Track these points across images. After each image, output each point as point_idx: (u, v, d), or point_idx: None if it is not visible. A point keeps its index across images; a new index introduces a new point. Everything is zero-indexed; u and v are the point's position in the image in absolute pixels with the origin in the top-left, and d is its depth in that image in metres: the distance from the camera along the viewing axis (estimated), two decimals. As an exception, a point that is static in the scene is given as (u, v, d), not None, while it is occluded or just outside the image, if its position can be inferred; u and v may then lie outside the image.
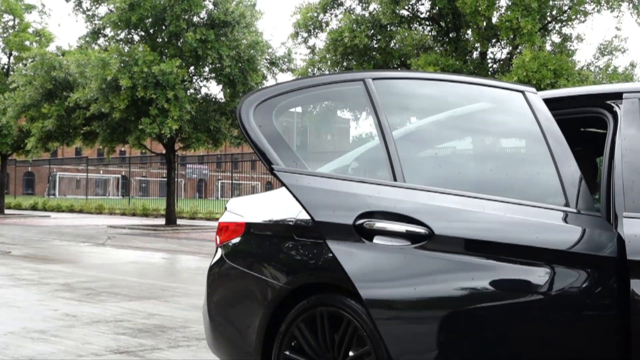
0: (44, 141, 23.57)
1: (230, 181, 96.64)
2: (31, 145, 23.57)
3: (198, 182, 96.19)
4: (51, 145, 24.69)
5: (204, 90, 24.34)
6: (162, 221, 25.26)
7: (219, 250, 3.91)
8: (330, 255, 2.99)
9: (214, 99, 22.87)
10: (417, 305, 2.28)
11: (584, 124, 3.32)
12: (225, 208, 4.11)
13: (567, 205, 2.54)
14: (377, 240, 2.28)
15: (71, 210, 34.55)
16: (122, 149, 36.28)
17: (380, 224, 2.27)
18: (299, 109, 2.97)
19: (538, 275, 2.45)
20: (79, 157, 68.46)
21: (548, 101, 2.83)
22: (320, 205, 2.25)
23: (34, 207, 36.46)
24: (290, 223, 3.22)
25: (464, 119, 2.84)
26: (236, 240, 3.81)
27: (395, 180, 2.34)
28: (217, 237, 4.01)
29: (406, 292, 2.28)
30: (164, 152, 24.16)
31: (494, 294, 2.38)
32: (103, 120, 21.49)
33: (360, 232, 2.26)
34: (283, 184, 2.20)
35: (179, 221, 24.31)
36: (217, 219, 19.90)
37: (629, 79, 19.02)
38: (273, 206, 3.59)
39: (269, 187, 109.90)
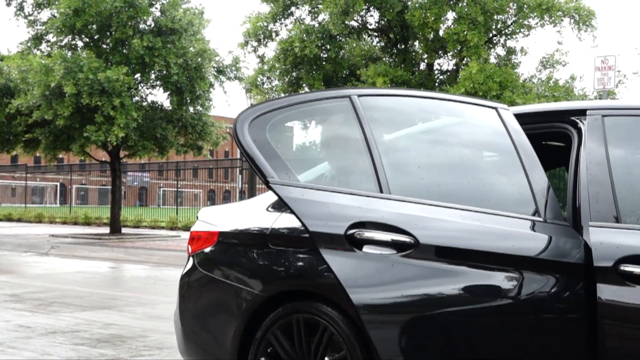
0: (-18, 148, 23.04)
1: (173, 189, 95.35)
2: (-32, 153, 22.99)
3: (139, 189, 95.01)
4: (-11, 153, 24.11)
5: (150, 98, 24.13)
6: (105, 230, 24.92)
7: (191, 259, 3.98)
8: (306, 263, 3.11)
9: (160, 107, 22.71)
10: (403, 309, 2.43)
11: (547, 139, 3.52)
12: (197, 217, 4.19)
13: (537, 214, 2.72)
14: (366, 249, 2.42)
15: (9, 219, 33.75)
16: (61, 156, 35.61)
17: (369, 234, 2.41)
18: (290, 124, 3.03)
19: (513, 281, 2.63)
20: (16, 164, 66.87)
21: (517, 116, 3.02)
22: (313, 216, 2.38)
23: (-32, 216, 35.50)
24: (266, 232, 3.31)
25: (442, 133, 3.02)
26: (209, 249, 3.88)
27: (381, 191, 2.49)
28: (189, 246, 4.07)
29: (393, 297, 2.43)
30: (107, 159, 23.88)
31: (472, 299, 2.55)
32: (46, 127, 21.11)
33: (351, 242, 2.40)
34: (278, 196, 2.32)
35: (123, 230, 24.03)
36: (162, 227, 19.76)
37: (569, 91, 19.70)
38: (247, 215, 3.68)
39: (211, 194, 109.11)
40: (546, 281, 2.67)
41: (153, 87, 22.47)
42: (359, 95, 2.64)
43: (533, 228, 2.70)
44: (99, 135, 19.65)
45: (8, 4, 22.20)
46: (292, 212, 2.30)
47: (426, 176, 2.84)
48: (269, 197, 3.56)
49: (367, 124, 2.59)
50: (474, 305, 2.55)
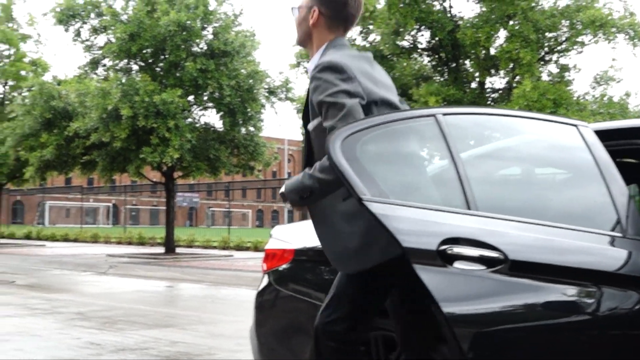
0: (42, 170, 23.62)
1: (222, 209, 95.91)
2: (29, 175, 23.61)
3: (189, 210, 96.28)
4: (49, 175, 24.74)
5: (203, 119, 24.54)
6: (159, 249, 25.30)
7: (267, 276, 4.06)
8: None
9: (213, 128, 23.10)
10: (494, 323, 2.48)
11: (624, 155, 3.53)
12: (270, 235, 4.27)
13: (620, 230, 2.73)
14: (457, 264, 2.47)
15: (66, 239, 34.51)
16: (113, 178, 36.12)
17: (459, 250, 2.47)
18: (379, 143, 3.10)
19: (598, 297, 2.64)
20: (70, 186, 68.37)
21: (596, 133, 3.04)
22: (406, 232, 2.43)
23: (27, 237, 36.40)
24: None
25: (524, 150, 3.07)
26: (284, 266, 3.96)
27: (469, 208, 2.55)
28: (264, 264, 4.15)
29: (484, 311, 2.49)
30: (161, 180, 24.29)
31: (560, 314, 2.58)
32: (103, 149, 21.62)
33: (443, 257, 2.46)
34: (371, 214, 2.38)
35: (177, 249, 24.38)
36: (214, 247, 19.99)
37: (624, 108, 19.42)
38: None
39: (259, 214, 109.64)
40: (629, 298, 2.67)
41: (206, 108, 22.89)
42: (444, 114, 2.71)
43: (616, 244, 2.71)
44: (155, 157, 20.05)
45: (66, 30, 22.87)
46: (385, 228, 2.36)
47: (510, 193, 2.88)
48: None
49: (452, 141, 2.65)
50: (561, 320, 2.58)
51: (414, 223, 2.47)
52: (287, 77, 22.90)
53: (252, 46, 22.30)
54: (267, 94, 22.94)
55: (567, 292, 2.63)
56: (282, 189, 2.80)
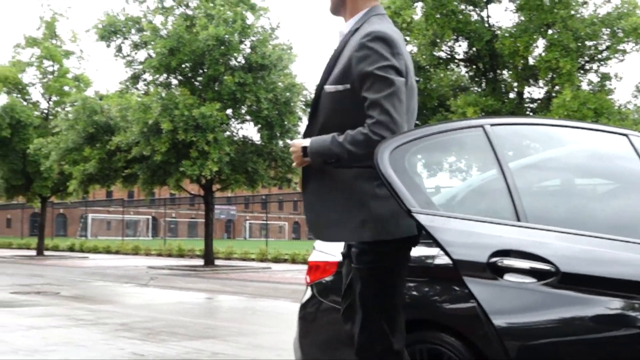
0: (85, 184, 23.93)
1: (259, 221, 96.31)
2: (73, 188, 23.95)
3: (226, 222, 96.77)
4: (91, 188, 25.09)
5: (241, 132, 24.65)
6: (199, 261, 25.45)
7: (310, 288, 4.04)
8: (430, 292, 3.12)
9: (251, 141, 23.21)
10: (545, 337, 2.44)
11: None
12: (313, 247, 4.26)
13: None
14: (507, 277, 2.44)
15: (108, 251, 34.94)
16: (153, 190, 36.44)
17: (509, 262, 2.43)
18: (427, 154, 3.06)
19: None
20: (111, 199, 69.25)
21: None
22: (456, 244, 2.41)
23: (71, 249, 36.96)
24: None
25: (573, 161, 3.03)
26: (328, 278, 3.94)
27: (518, 219, 2.51)
28: (307, 276, 4.14)
29: (534, 324, 2.45)
30: (200, 193, 24.47)
31: (612, 327, 2.53)
32: (144, 162, 21.84)
33: (493, 270, 2.42)
34: (421, 225, 2.36)
35: (215, 261, 24.49)
36: (252, 259, 20.08)
37: (666, 117, 19.07)
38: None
39: (295, 226, 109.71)
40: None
41: (244, 121, 23.02)
42: (492, 125, 2.69)
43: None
44: (194, 170, 20.20)
45: (108, 46, 23.17)
46: (434, 239, 2.34)
47: (560, 204, 2.84)
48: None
49: (501, 152, 2.62)
50: (611, 333, 2.53)
51: (463, 235, 2.45)
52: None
53: (289, 59, 22.39)
54: (304, 107, 22.99)
55: (616, 305, 2.58)
56: (307, 145, 2.74)
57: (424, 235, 2.52)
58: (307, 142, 2.74)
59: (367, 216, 2.63)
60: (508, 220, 2.48)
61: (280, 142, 22.65)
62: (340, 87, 2.72)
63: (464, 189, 2.81)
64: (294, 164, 2.77)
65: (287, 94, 21.99)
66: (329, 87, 2.77)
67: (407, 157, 2.50)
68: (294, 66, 30.22)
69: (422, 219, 2.37)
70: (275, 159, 22.86)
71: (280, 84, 22.02)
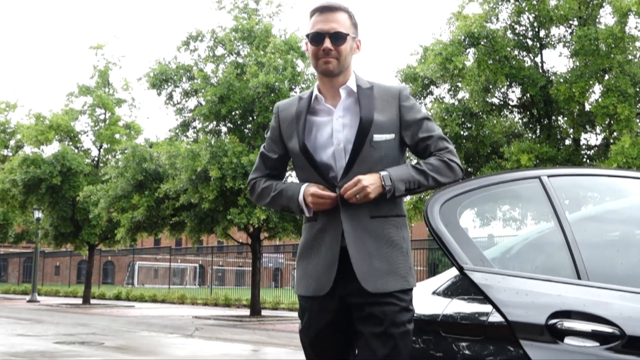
0: (132, 231, 24.16)
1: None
2: (121, 236, 24.18)
3: (274, 271, 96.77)
4: (139, 236, 25.29)
5: (289, 180, 24.77)
6: (245, 311, 25.36)
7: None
8: (481, 352, 2.99)
9: (300, 189, 23.29)
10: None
11: None
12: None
13: None
14: (568, 340, 2.31)
15: (154, 300, 35.12)
16: (200, 238, 36.61)
17: (570, 324, 2.30)
18: (480, 207, 3.05)
19: None
20: (158, 247, 69.94)
21: None
22: (512, 304, 2.29)
23: (117, 297, 37.27)
24: (436, 318, 3.24)
25: (637, 212, 2.88)
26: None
27: (579, 277, 2.39)
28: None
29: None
30: (247, 242, 24.50)
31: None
32: (191, 210, 22.03)
33: (552, 332, 2.30)
34: (473, 284, 2.26)
35: (262, 311, 24.37)
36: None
37: None
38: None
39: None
40: None
41: (291, 169, 23.11)
42: (549, 176, 2.60)
43: None
44: (242, 218, 20.27)
45: (159, 94, 23.61)
46: (488, 299, 2.23)
47: (625, 261, 2.70)
48: (434, 282, 3.50)
49: (559, 205, 2.51)
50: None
51: (520, 294, 2.33)
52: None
53: None
54: None
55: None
56: (385, 174, 2.90)
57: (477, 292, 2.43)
58: (383, 172, 2.93)
59: (410, 263, 2.87)
60: (567, 277, 2.36)
61: (330, 191, 22.68)
62: (389, 137, 2.97)
63: (520, 242, 2.71)
64: (370, 195, 2.88)
65: (336, 141, 22.07)
66: (379, 137, 2.97)
67: (459, 210, 2.42)
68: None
69: (476, 277, 2.27)
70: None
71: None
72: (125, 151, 24.89)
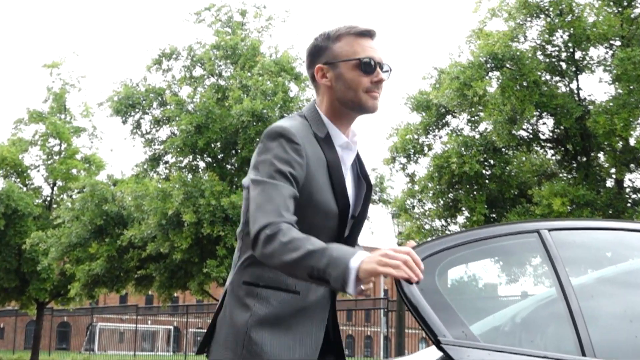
0: (89, 287, 23.99)
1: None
2: (75, 292, 24.04)
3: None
4: (97, 292, 25.15)
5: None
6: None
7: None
8: None
9: (292, 236, 23.26)
10: None
11: None
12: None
13: None
14: None
15: (116, 370, 34.82)
16: (176, 295, 36.42)
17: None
18: (464, 266, 3.01)
19: None
20: (125, 305, 69.60)
21: None
22: (501, 387, 2.30)
23: (73, 366, 36.95)
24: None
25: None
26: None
27: (583, 353, 2.39)
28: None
29: None
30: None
31: None
32: (161, 262, 21.99)
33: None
34: (451, 360, 2.27)
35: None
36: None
37: None
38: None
39: (349, 340, 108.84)
40: None
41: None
42: (550, 230, 2.62)
43: None
44: (221, 271, 20.22)
45: (124, 122, 23.75)
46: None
47: (638, 333, 2.70)
48: (432, 353, 3.50)
49: (562, 265, 2.53)
50: None
51: (510, 375, 2.33)
52: (381, 175, 23.04)
53: None
54: None
55: None
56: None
57: None
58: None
59: None
60: (569, 354, 2.36)
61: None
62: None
63: (513, 312, 2.70)
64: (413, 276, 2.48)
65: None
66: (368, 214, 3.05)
67: (438, 269, 2.43)
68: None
69: (454, 352, 2.27)
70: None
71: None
72: (84, 190, 24.69)
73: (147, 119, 23.86)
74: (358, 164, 2.99)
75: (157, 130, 23.88)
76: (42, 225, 28.69)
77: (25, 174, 31.08)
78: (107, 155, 73.46)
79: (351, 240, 2.91)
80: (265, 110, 21.43)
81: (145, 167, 23.93)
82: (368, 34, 2.98)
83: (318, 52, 2.97)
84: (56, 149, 31.25)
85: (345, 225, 2.88)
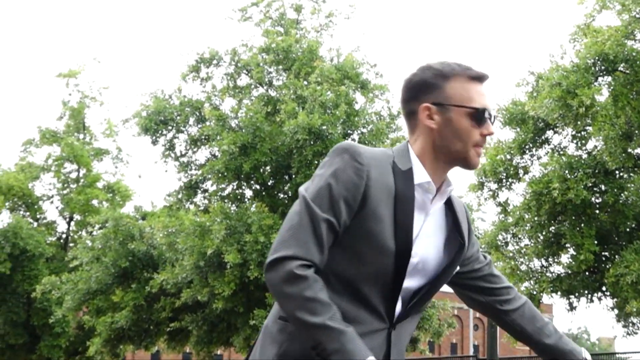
0: (113, 343, 24.30)
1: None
2: (95, 350, 24.22)
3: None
4: (123, 349, 25.34)
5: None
6: None
7: None
8: None
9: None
10: None
11: None
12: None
13: None
14: None
15: None
16: (219, 353, 36.75)
17: None
18: None
19: None
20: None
21: None
22: None
23: None
24: None
25: None
26: None
27: None
28: None
29: None
30: None
31: None
32: (199, 312, 22.32)
33: None
34: None
35: None
36: None
37: None
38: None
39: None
40: None
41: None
42: None
43: None
44: (271, 323, 20.62)
45: (155, 142, 24.26)
46: None
47: None
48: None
49: None
50: None
51: None
52: (467, 204, 22.99)
53: None
54: None
55: None
56: None
57: None
58: None
59: None
60: None
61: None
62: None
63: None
64: None
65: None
66: (458, 269, 3.28)
67: None
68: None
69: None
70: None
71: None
72: (106, 225, 25.05)
73: (182, 139, 24.27)
74: (453, 220, 3.21)
75: (193, 152, 24.31)
76: (56, 269, 28.77)
77: (36, 206, 31.55)
78: (134, 182, 72.32)
79: (414, 308, 3.12)
80: (324, 127, 21.40)
81: (179, 196, 24.30)
82: (483, 79, 3.17)
83: (426, 89, 3.13)
84: (73, 175, 31.87)
85: (404, 271, 3.03)
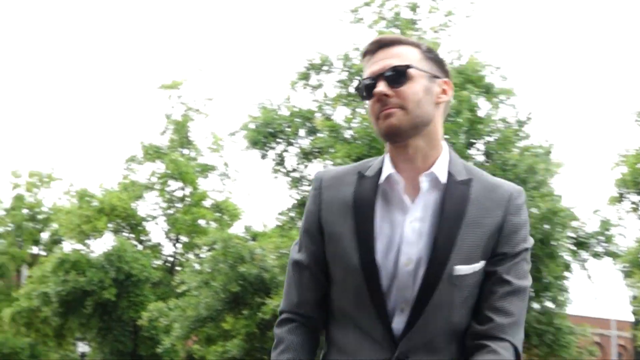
0: (225, 374, 24.58)
1: None
2: (207, 382, 24.74)
3: None
4: (236, 382, 25.64)
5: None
6: None
7: None
8: None
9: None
10: None
11: None
12: None
13: None
14: None
15: None
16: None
17: None
18: None
19: None
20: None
21: None
22: None
23: None
24: None
25: None
26: None
27: None
28: None
29: None
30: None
31: None
32: (324, 342, 22.88)
33: None
34: None
35: None
36: None
37: None
38: None
39: None
40: None
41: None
42: None
43: None
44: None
45: (264, 156, 25.01)
46: None
47: None
48: None
49: None
50: None
51: None
52: (605, 219, 23.42)
53: (547, 170, 22.77)
54: (574, 247, 23.33)
55: None
56: None
57: None
58: None
59: None
60: None
61: (536, 305, 22.95)
62: (477, 267, 3.01)
63: None
64: None
65: (546, 226, 22.23)
66: (462, 268, 2.99)
67: None
68: (556, 181, 29.93)
69: None
70: (527, 334, 23.20)
71: (534, 209, 21.96)
72: (214, 246, 25.58)
73: (293, 152, 25.02)
74: (443, 215, 2.98)
75: (305, 166, 25.11)
76: (163, 294, 29.66)
77: (140, 228, 32.54)
78: (243, 200, 72.72)
79: (424, 320, 3.00)
80: (447, 136, 21.36)
81: (291, 215, 24.96)
82: (368, 52, 3.13)
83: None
84: (178, 193, 32.94)
85: (378, 285, 2.99)
